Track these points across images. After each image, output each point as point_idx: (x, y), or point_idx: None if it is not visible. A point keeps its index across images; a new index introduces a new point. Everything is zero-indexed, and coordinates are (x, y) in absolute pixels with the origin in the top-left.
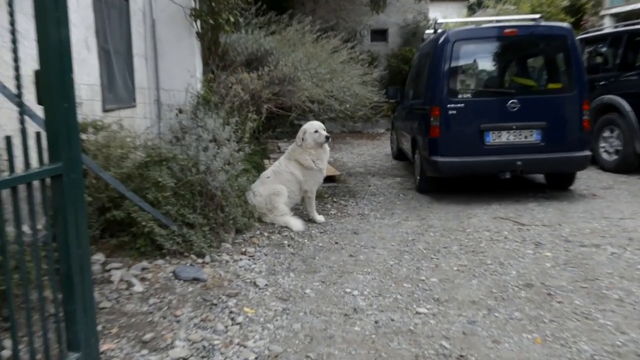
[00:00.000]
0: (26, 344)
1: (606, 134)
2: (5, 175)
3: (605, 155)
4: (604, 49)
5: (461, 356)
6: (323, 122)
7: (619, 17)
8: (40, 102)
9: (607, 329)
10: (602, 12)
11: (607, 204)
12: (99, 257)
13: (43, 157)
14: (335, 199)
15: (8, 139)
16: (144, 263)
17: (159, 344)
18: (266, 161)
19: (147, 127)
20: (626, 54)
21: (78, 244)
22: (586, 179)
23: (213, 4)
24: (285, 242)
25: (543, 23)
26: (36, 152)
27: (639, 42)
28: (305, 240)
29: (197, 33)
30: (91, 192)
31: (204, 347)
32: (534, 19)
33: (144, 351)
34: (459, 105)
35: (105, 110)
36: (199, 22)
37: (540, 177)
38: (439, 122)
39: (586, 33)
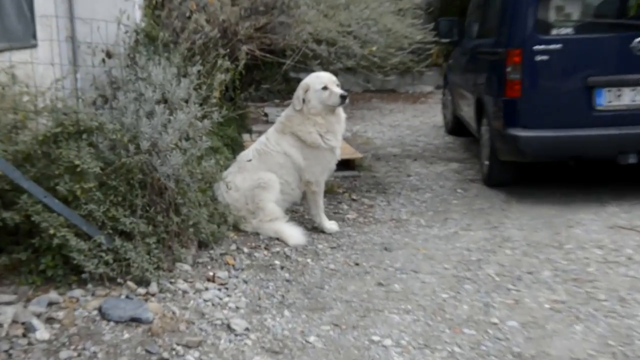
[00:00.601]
0: None
1: None
2: None
3: None
4: None
5: None
6: (336, 75)
7: None
8: None
9: None
10: None
11: None
12: None
13: None
14: (355, 196)
15: None
16: (53, 295)
17: None
18: (246, 136)
19: (56, 79)
20: None
21: None
22: None
23: None
24: (277, 262)
25: None
26: None
27: None
28: (308, 260)
29: None
30: None
31: None
32: None
33: None
34: (553, 46)
35: None
36: None
37: None
38: (521, 73)
39: None
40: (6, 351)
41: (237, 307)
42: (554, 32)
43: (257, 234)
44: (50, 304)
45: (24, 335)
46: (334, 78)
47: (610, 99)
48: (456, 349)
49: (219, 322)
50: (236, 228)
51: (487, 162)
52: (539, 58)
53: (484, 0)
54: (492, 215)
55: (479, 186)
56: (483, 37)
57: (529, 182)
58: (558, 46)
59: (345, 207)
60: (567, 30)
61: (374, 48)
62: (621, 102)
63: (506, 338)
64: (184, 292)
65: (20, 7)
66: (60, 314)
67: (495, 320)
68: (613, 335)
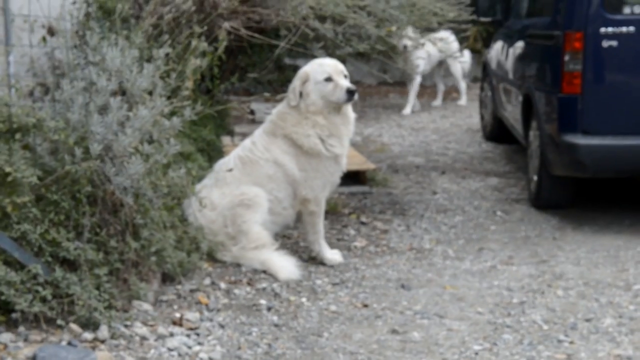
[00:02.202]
0: None
1: None
2: None
3: None
4: None
5: None
6: (343, 62)
7: None
8: None
9: None
10: None
11: None
12: None
13: None
14: (365, 219)
15: None
16: None
17: None
18: (226, 139)
19: None
20: None
21: None
22: None
23: None
24: (263, 301)
25: None
26: None
27: None
28: (304, 300)
29: None
30: None
31: None
32: None
33: None
34: (625, 29)
35: None
36: None
37: None
38: (583, 64)
39: None
40: None
41: (211, 359)
42: (627, 10)
43: (239, 265)
44: None
45: None
46: (340, 67)
47: None
48: None
49: None
50: (211, 257)
51: (535, 178)
52: (606, 44)
53: None
54: (540, 246)
55: (525, 208)
56: (534, 16)
57: (589, 205)
58: (631, 29)
59: (353, 232)
60: None
61: (394, 28)
62: None
63: None
64: (143, 338)
65: None
66: None
67: None
68: None
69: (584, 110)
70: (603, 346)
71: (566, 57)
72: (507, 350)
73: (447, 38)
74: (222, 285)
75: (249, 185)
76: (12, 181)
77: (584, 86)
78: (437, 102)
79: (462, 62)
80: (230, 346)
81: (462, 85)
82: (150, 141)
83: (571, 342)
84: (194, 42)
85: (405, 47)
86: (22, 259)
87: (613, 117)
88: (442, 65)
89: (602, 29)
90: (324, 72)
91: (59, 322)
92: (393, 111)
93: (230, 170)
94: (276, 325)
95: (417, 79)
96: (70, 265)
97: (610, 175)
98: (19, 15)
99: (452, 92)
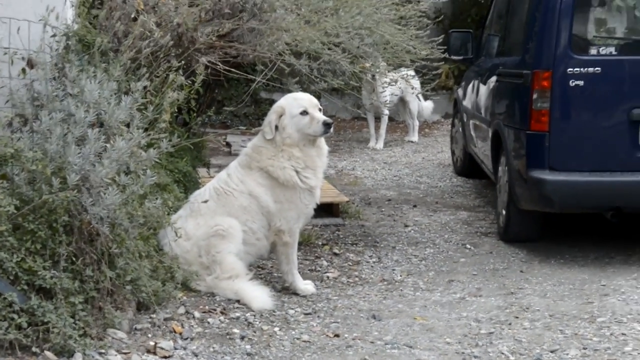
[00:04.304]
0: None
1: None
2: None
3: None
4: None
5: None
6: (318, 97)
7: None
8: None
9: None
10: None
11: None
12: None
13: None
14: (337, 250)
15: None
16: None
17: None
18: (202, 171)
19: None
20: None
21: None
22: None
23: None
24: (236, 330)
25: None
26: None
27: None
28: (276, 329)
29: None
30: None
31: None
32: None
33: None
34: (590, 69)
35: None
36: None
37: None
38: (551, 102)
39: None
40: None
41: None
42: (593, 51)
43: (213, 294)
44: None
45: None
46: (315, 100)
47: None
48: None
49: None
50: (186, 286)
51: (504, 212)
52: (573, 83)
53: (506, 9)
54: (508, 279)
55: (494, 241)
56: (504, 55)
57: (556, 239)
58: (597, 69)
59: (325, 263)
60: (608, 50)
61: (368, 64)
62: None
63: None
64: None
65: None
66: None
67: None
68: None
69: (551, 147)
70: None
71: (534, 96)
72: None
73: (408, 75)
74: (196, 314)
75: (224, 216)
76: None
77: (551, 124)
78: (414, 137)
79: (425, 107)
80: None
81: (416, 123)
82: (127, 172)
83: None
84: (171, 76)
85: (373, 77)
86: None
87: (579, 154)
88: (404, 102)
89: (570, 69)
90: (300, 105)
91: (34, 349)
92: (366, 145)
93: (206, 201)
94: (249, 354)
95: (385, 112)
96: (46, 293)
97: (577, 210)
98: None
99: (424, 128)
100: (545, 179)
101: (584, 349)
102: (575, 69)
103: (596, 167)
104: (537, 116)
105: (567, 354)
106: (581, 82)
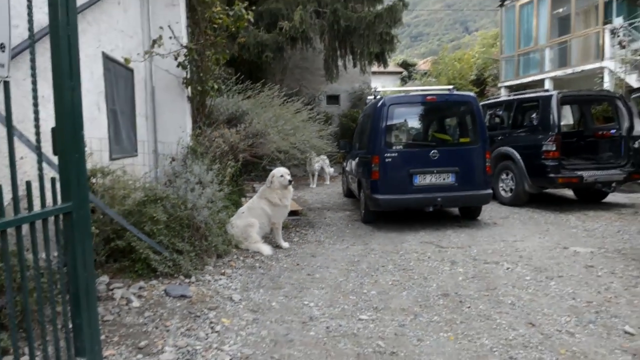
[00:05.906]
0: (41, 351)
1: (503, 176)
2: (25, 213)
3: (502, 193)
4: (500, 112)
5: (393, 352)
6: (288, 168)
7: (511, 88)
8: (55, 153)
9: (503, 327)
10: (499, 84)
11: (505, 230)
12: (104, 278)
13: (57, 197)
14: (297, 229)
15: (28, 184)
16: (141, 283)
17: (151, 350)
18: (242, 199)
19: (146, 172)
20: (516, 116)
21: (85, 268)
22: (489, 211)
23: (201, 74)
24: (257, 264)
25: (455, 92)
26: (52, 193)
27: (525, 107)
28: (273, 263)
29: (188, 97)
30: (98, 226)
31: (188, 351)
32: (448, 89)
33: (139, 356)
34: (393, 154)
35: (112, 159)
36: (189, 89)
37: (455, 210)
38: (379, 167)
39: (487, 100)
40: (117, 313)
41: (235, 288)
42: (394, 147)
43: (247, 250)
44: (140, 288)
45: (126, 304)
46: (286, 170)
47: (420, 180)
48: (345, 307)
49: (226, 296)
50: (236, 247)
51: (363, 211)
52: (387, 160)
53: (361, 131)
54: (365, 238)
55: (359, 223)
56: (361, 149)
57: (384, 221)
58: (395, 154)
59: (293, 235)
60: (399, 146)
61: (307, 155)
62: (425, 181)
63: (370, 300)
64: (209, 281)
65: (130, 136)
66: (145, 293)
67: (365, 291)
68: (420, 296)
69: (379, 185)
70: (388, 277)
71: (372, 165)
72: (352, 280)
73: (324, 158)
74: (241, 258)
75: (251, 217)
76: (156, 220)
77: (379, 176)
78: (327, 182)
79: (331, 170)
80: (244, 283)
81: (328, 177)
82: (212, 202)
83: (376, 276)
84: (229, 162)
85: (310, 159)
86: (160, 250)
87: (389, 187)
88: (322, 168)
89: (385, 154)
90: (280, 172)
91: (175, 275)
92: (309, 186)
93: (243, 212)
94: (262, 274)
95: (315, 173)
96: (179, 252)
97: (390, 209)
98: (161, 154)
99: (333, 179)
100: (378, 197)
101: (394, 264)
102: (387, 154)
103: (396, 192)
104: (374, 173)
105: (388, 267)
106: (390, 159)
